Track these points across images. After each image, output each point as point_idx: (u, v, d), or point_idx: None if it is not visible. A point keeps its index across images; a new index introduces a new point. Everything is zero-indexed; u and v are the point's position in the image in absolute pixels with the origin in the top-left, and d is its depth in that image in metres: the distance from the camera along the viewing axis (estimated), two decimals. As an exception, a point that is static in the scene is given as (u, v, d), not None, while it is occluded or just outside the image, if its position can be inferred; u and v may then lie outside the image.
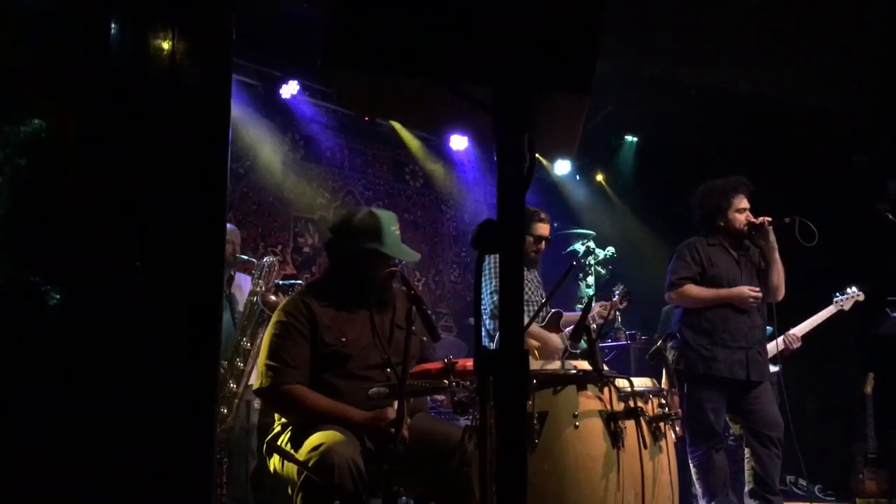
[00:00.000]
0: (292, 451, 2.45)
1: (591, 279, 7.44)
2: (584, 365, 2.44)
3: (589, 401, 2.37)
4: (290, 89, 5.98)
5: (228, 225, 4.74)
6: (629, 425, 2.37)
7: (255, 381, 2.72)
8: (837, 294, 4.74)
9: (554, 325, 4.10)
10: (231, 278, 4.48)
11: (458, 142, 7.13)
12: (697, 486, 3.90)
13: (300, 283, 4.44)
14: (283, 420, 2.63)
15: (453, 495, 2.43)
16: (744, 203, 4.01)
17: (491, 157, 1.00)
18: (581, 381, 2.38)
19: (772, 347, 4.65)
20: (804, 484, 5.56)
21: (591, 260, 7.49)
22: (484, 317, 4.00)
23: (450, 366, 2.25)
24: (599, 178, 8.03)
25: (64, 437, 1.22)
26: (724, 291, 3.93)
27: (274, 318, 2.67)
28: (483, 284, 4.01)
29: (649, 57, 5.70)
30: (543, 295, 4.22)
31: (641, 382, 2.56)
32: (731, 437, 4.41)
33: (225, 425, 3.94)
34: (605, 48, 1.01)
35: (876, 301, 4.91)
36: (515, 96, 0.97)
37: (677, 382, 3.58)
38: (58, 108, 1.33)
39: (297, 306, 2.64)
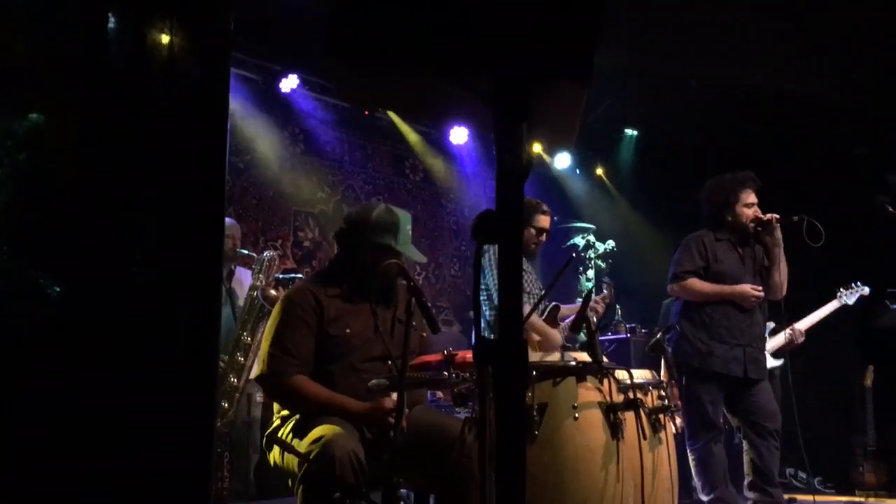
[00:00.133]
0: (293, 444, 2.46)
1: (591, 273, 7.45)
2: (584, 357, 2.45)
3: (588, 392, 2.38)
4: (289, 83, 5.97)
5: (228, 219, 4.74)
6: (629, 417, 2.38)
7: (255, 368, 2.72)
8: (841, 289, 4.74)
9: (552, 320, 4.10)
10: (231, 273, 4.48)
11: (458, 136, 7.13)
12: (696, 479, 3.91)
13: (300, 277, 4.44)
14: (283, 413, 2.64)
15: (453, 487, 2.44)
16: (752, 198, 3.99)
17: (491, 152, 1.00)
18: (580, 372, 2.39)
19: (777, 342, 4.67)
20: (804, 476, 5.57)
21: (591, 254, 7.50)
22: (484, 308, 4.00)
23: (449, 357, 2.26)
24: (599, 171, 8.02)
25: (62, 435, 1.22)
26: (726, 288, 3.92)
27: (279, 305, 2.66)
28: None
29: (649, 50, 5.69)
30: (542, 288, 4.22)
31: (641, 374, 2.56)
32: (738, 438, 4.41)
33: (226, 419, 3.95)
34: (605, 42, 1.01)
35: (876, 293, 4.91)
36: (515, 85, 0.97)
37: (676, 375, 3.58)
38: (56, 102, 1.33)
39: (305, 295, 2.63)
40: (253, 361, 3.98)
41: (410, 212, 2.97)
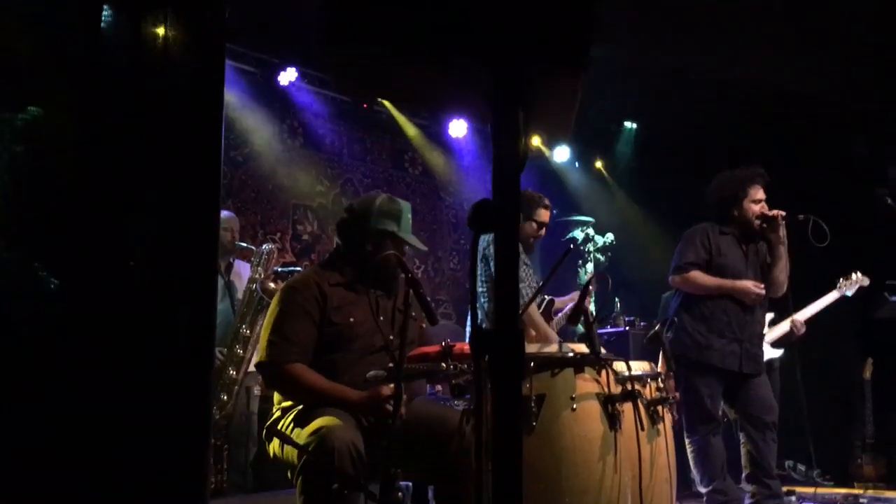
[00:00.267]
0: (292, 436, 2.46)
1: (590, 266, 7.45)
2: (582, 348, 2.45)
3: (586, 383, 2.38)
4: (288, 76, 5.96)
5: (227, 212, 4.74)
6: (626, 408, 2.39)
7: (255, 358, 2.72)
8: (841, 279, 4.74)
9: (546, 315, 4.11)
10: (230, 266, 4.48)
11: (457, 129, 7.12)
12: (695, 471, 3.91)
13: (299, 271, 4.44)
14: (284, 404, 2.64)
15: (452, 479, 2.44)
16: (760, 194, 3.97)
17: (489, 145, 0.99)
18: (578, 363, 2.39)
19: (776, 333, 4.66)
20: (802, 469, 5.58)
21: (590, 247, 7.50)
22: (482, 298, 3.99)
23: (447, 349, 2.26)
24: (598, 164, 8.02)
25: (58, 432, 1.22)
26: (728, 283, 3.91)
27: (279, 295, 2.64)
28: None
29: (649, 44, 5.68)
30: (540, 281, 4.22)
31: (639, 366, 2.57)
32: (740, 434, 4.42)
33: (225, 412, 3.96)
34: (604, 34, 1.01)
35: (875, 285, 4.91)
36: (512, 72, 0.97)
37: (674, 367, 3.58)
38: (53, 95, 1.33)
39: (308, 284, 2.63)
40: (252, 354, 3.98)
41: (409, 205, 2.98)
